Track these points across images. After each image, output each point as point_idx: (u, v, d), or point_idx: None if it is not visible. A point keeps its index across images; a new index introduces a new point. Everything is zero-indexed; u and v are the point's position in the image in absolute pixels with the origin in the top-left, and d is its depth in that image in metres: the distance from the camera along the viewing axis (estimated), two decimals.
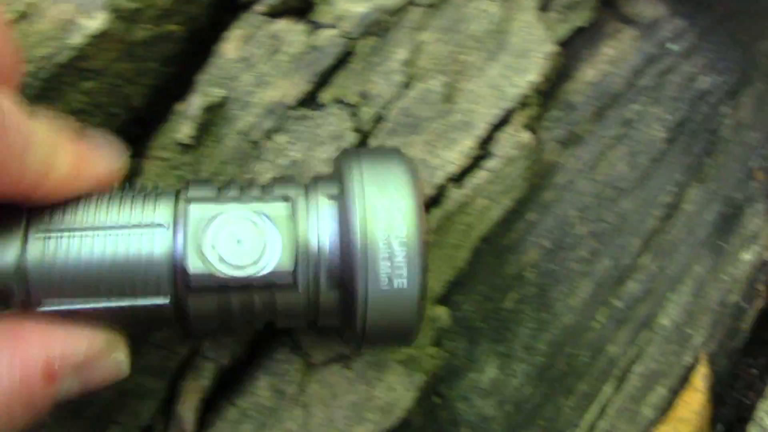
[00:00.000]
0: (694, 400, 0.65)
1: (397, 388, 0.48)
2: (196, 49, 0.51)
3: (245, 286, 0.37)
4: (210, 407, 0.46)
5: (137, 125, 0.49)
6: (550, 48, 0.54)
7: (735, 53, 0.63)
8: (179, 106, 0.48)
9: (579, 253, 0.58)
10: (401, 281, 0.37)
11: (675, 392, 0.65)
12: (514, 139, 0.52)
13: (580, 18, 0.58)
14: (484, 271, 0.55)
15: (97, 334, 0.38)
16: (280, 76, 0.49)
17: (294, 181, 0.41)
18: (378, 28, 0.51)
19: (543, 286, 0.57)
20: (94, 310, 0.37)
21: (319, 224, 0.38)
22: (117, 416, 0.44)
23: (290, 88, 0.49)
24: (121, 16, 0.46)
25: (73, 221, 0.37)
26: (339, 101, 0.50)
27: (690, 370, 0.66)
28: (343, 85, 0.50)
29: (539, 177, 0.56)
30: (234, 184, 0.40)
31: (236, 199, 0.38)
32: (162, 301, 0.37)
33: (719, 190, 0.66)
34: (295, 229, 0.38)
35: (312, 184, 0.40)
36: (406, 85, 0.51)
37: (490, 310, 0.55)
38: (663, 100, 0.61)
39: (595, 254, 0.58)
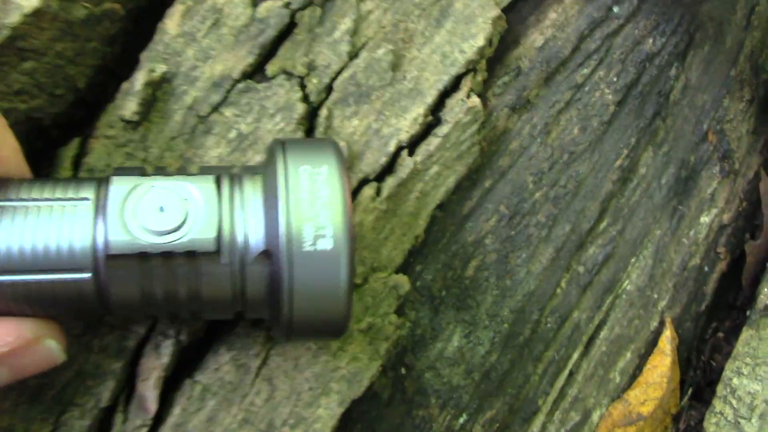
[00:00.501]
0: (662, 363, 0.66)
1: (361, 358, 0.48)
2: (138, 27, 0.51)
3: (167, 253, 0.36)
4: (172, 386, 0.45)
5: (83, 107, 0.48)
6: (494, 12, 0.54)
7: (679, 15, 0.64)
8: (125, 85, 0.47)
9: (537, 219, 0.58)
10: (325, 242, 0.36)
11: (642, 357, 0.65)
12: (464, 105, 0.53)
13: None
14: (443, 240, 0.55)
15: (23, 324, 0.37)
16: (225, 49, 0.48)
17: (216, 169, 0.40)
18: None
19: (503, 253, 0.57)
20: (12, 284, 0.36)
21: (243, 194, 0.38)
22: (76, 398, 0.43)
23: (235, 61, 0.48)
24: None
25: None
26: (286, 72, 0.49)
27: (656, 334, 0.66)
28: (289, 57, 0.50)
29: (492, 143, 0.56)
30: (161, 170, 0.40)
31: (159, 175, 0.38)
32: (82, 275, 0.36)
33: (673, 152, 0.66)
34: (219, 199, 0.37)
35: (237, 171, 0.40)
36: (354, 55, 0.51)
37: (451, 278, 0.55)
38: (611, 63, 0.61)
39: (553, 219, 0.58)
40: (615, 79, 0.61)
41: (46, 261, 0.36)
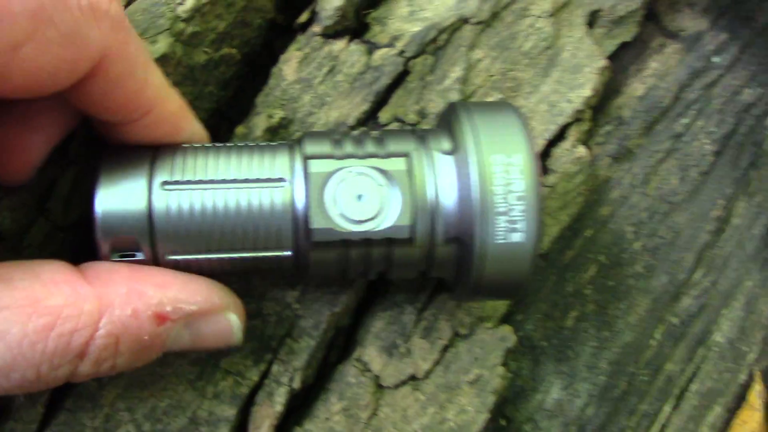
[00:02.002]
0: (752, 418, 0.64)
1: (468, 410, 0.47)
2: (249, 72, 0.51)
3: (364, 240, 0.38)
4: None
5: None
6: (601, 63, 0.54)
7: None
8: (240, 129, 0.47)
9: (635, 269, 0.57)
10: (517, 235, 0.37)
11: (731, 411, 0.64)
12: (570, 154, 0.52)
13: (626, 33, 0.58)
14: (544, 289, 0.54)
15: (214, 290, 0.38)
16: (340, 96, 0.48)
17: (402, 133, 0.41)
18: (432, 46, 0.51)
19: (602, 303, 0.56)
20: (219, 260, 0.38)
21: (436, 180, 0.38)
22: None
23: (350, 107, 0.48)
24: (182, 39, 0.45)
25: (195, 173, 0.37)
26: (398, 120, 0.49)
27: (745, 387, 0.65)
28: (401, 104, 0.50)
29: (594, 192, 0.56)
30: (348, 137, 0.40)
31: (353, 155, 0.38)
32: (284, 253, 0.38)
33: (765, 203, 0.65)
34: (413, 185, 0.38)
35: (422, 137, 0.40)
36: None
37: (551, 328, 0.54)
38: (709, 113, 0.60)
39: (651, 270, 0.58)
40: (714, 129, 0.60)
41: (251, 242, 0.37)
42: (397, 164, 0.38)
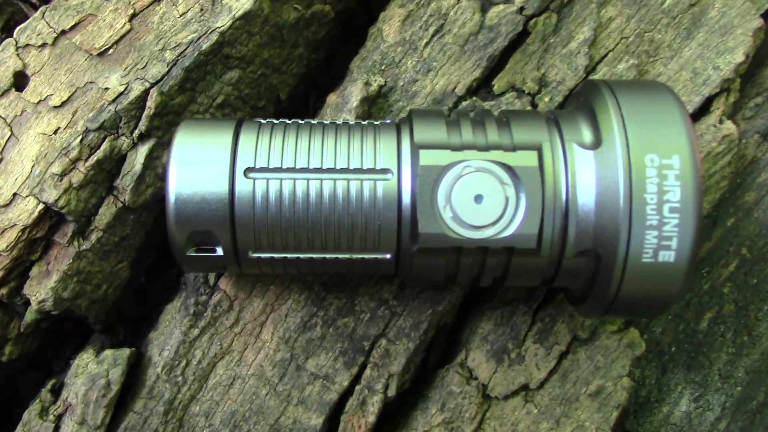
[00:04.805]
0: None
1: (587, 427, 0.41)
2: (344, 32, 0.45)
3: (480, 248, 0.32)
4: None
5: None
6: (756, 23, 0.45)
7: None
8: (332, 97, 0.41)
9: None
10: (668, 254, 0.30)
11: None
12: (717, 132, 0.44)
13: None
14: None
15: None
16: (449, 61, 0.42)
17: (532, 117, 0.34)
18: (557, 2, 0.44)
19: (742, 304, 0.48)
20: (308, 260, 0.33)
21: (572, 179, 0.32)
22: None
23: (460, 74, 0.42)
24: None
25: (284, 159, 0.32)
26: (515, 89, 0.42)
27: None
28: (519, 71, 0.43)
29: (738, 175, 0.48)
30: (464, 118, 0.34)
31: (473, 145, 0.32)
32: (383, 255, 0.33)
33: None
34: (543, 185, 0.31)
35: (555, 123, 0.33)
36: (591, 69, 0.44)
37: (682, 332, 0.47)
38: None
39: None
40: None
41: (346, 241, 0.32)
42: (526, 159, 0.31)
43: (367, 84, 0.41)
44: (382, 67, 0.42)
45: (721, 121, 0.45)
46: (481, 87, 0.42)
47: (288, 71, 0.42)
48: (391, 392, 0.39)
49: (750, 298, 0.48)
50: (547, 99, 0.43)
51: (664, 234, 0.30)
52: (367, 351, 0.40)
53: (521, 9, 0.43)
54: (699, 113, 0.45)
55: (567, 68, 0.43)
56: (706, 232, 0.48)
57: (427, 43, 0.42)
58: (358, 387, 0.40)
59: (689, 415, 0.47)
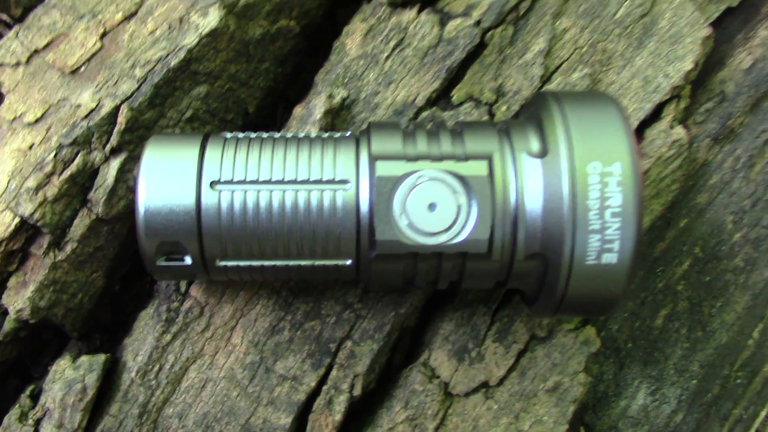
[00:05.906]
0: None
1: (545, 421, 0.43)
2: (309, 46, 0.47)
3: (435, 254, 0.34)
4: None
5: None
6: (704, 31, 0.47)
7: None
8: (298, 110, 0.43)
9: (734, 263, 0.51)
10: (611, 256, 0.32)
11: None
12: (667, 137, 0.46)
13: None
14: (631, 285, 0.49)
15: None
16: (409, 73, 0.44)
17: (484, 128, 0.36)
18: (513, 15, 0.45)
19: (696, 301, 0.50)
20: (273, 267, 0.35)
21: (521, 187, 0.34)
22: None
23: (420, 86, 0.44)
24: (235, 12, 0.41)
25: (248, 171, 0.34)
26: (473, 99, 0.44)
27: None
28: (477, 81, 0.44)
29: (690, 177, 0.50)
30: (420, 130, 0.36)
31: (426, 155, 0.34)
32: (344, 262, 0.35)
33: None
34: (493, 192, 0.33)
35: (506, 133, 0.35)
36: (546, 79, 0.46)
37: (638, 329, 0.49)
38: None
39: (751, 263, 0.52)
40: None
41: (309, 249, 0.34)
42: (477, 168, 0.33)
43: (331, 96, 0.42)
44: (345, 80, 0.43)
45: (671, 127, 0.47)
46: (441, 98, 0.44)
47: (255, 85, 0.44)
48: (357, 392, 0.41)
49: (703, 295, 0.50)
50: (504, 108, 0.45)
51: (606, 237, 0.32)
52: (333, 353, 0.42)
53: (478, 22, 0.45)
54: (650, 119, 0.47)
55: (523, 78, 0.45)
56: (659, 233, 0.50)
57: (388, 57, 0.44)
58: (325, 387, 0.41)
59: (646, 408, 0.49)
